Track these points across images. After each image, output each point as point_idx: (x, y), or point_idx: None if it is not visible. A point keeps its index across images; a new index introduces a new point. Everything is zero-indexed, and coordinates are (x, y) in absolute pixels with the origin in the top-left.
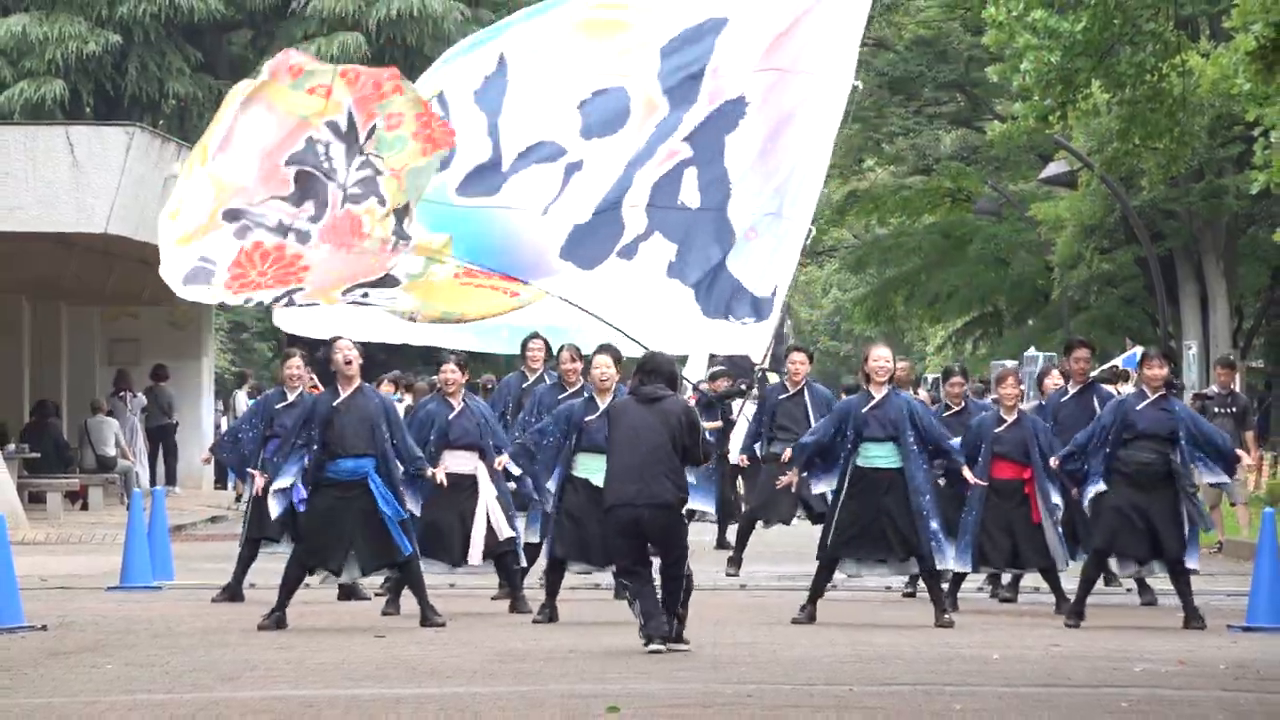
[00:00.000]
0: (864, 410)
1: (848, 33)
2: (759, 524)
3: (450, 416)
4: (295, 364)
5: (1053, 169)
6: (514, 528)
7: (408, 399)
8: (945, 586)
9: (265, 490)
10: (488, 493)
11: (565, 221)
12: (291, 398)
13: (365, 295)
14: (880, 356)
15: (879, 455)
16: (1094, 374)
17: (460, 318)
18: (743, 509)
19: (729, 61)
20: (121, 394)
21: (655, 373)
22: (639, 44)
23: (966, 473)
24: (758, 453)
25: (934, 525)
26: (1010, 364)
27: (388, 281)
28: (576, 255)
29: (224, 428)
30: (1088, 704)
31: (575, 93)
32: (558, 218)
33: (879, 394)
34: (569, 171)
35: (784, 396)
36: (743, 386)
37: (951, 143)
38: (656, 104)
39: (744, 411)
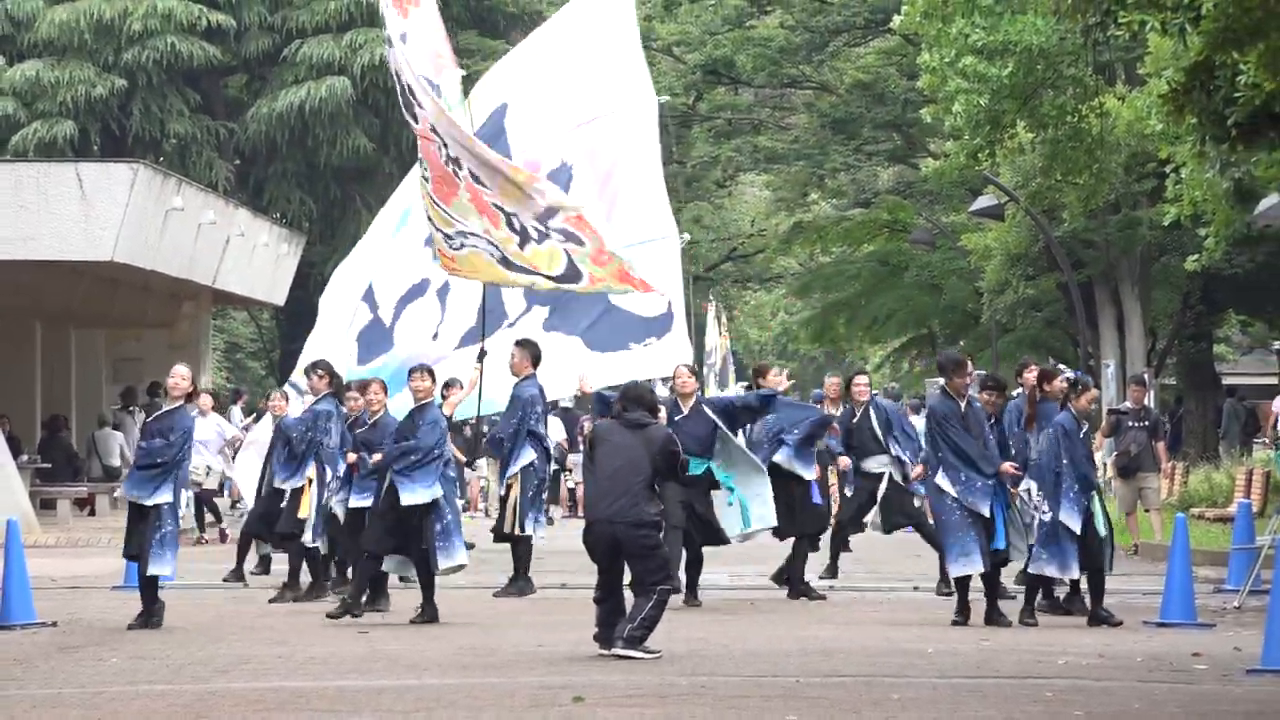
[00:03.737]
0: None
1: (628, 60)
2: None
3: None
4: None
5: (982, 202)
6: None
7: None
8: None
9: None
10: None
11: (455, 334)
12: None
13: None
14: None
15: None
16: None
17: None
18: None
19: (529, 138)
20: (129, 409)
21: (638, 401)
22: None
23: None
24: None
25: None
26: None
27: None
28: (467, 341)
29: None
30: (1015, 693)
31: (423, 228)
32: (448, 334)
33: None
34: (441, 296)
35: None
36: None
37: (889, 178)
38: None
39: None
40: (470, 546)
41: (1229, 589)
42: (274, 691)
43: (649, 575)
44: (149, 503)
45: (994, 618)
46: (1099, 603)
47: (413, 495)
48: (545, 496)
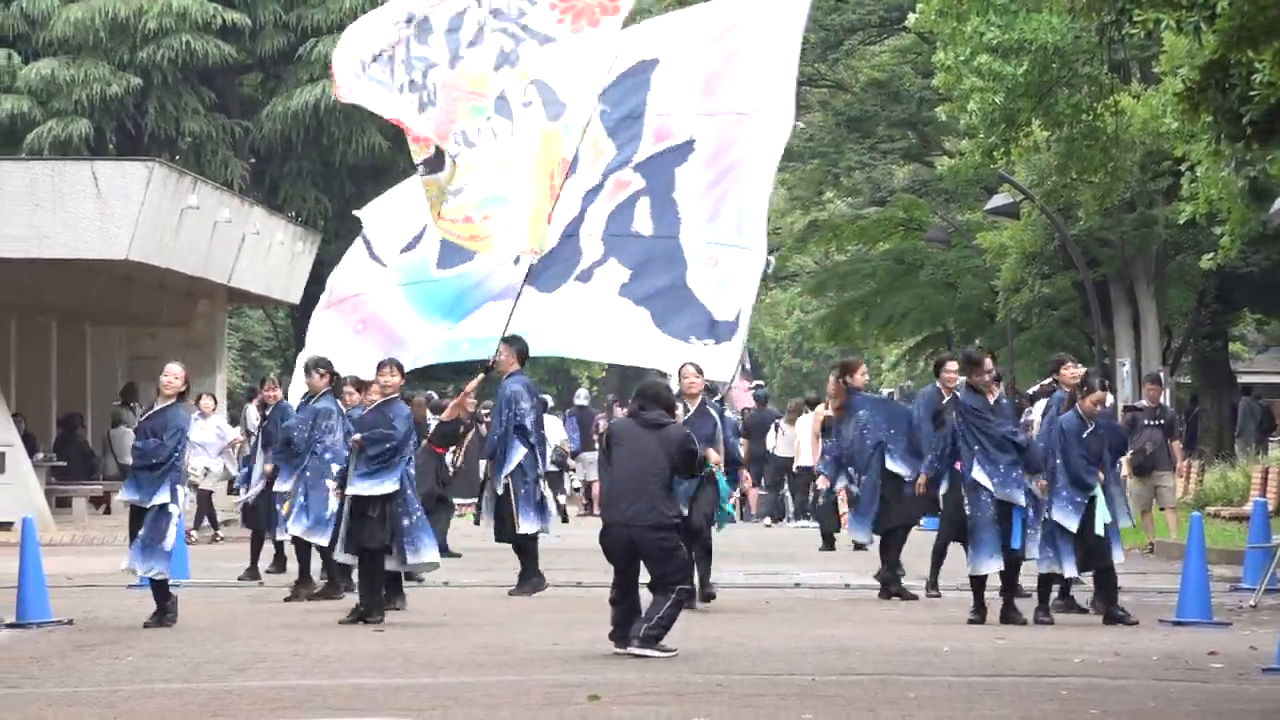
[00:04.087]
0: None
1: (783, 75)
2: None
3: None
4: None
5: (997, 201)
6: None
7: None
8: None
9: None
10: None
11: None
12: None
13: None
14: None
15: None
16: (1033, 389)
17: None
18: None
19: (669, 102)
20: (130, 405)
21: (655, 400)
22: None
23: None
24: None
25: None
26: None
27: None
28: (539, 281)
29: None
30: (1031, 692)
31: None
32: (522, 268)
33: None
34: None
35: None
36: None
37: (904, 177)
38: (602, 148)
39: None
40: (456, 555)
41: (1245, 587)
42: (290, 689)
43: (668, 576)
44: (147, 505)
45: (1010, 616)
46: (1113, 602)
47: (375, 486)
48: (542, 492)
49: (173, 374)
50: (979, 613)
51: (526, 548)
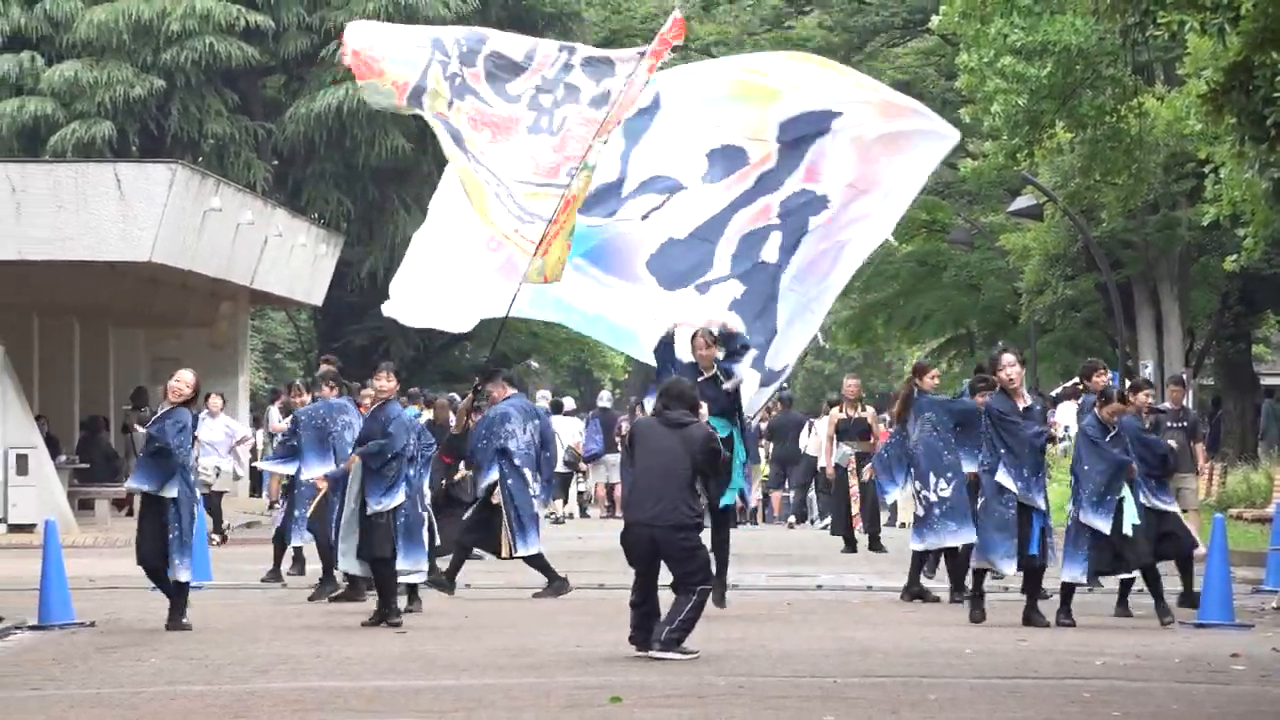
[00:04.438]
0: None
1: (904, 198)
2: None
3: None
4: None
5: (1020, 202)
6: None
7: (428, 414)
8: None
9: None
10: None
11: (661, 231)
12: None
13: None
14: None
15: None
16: (1056, 390)
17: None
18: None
19: (830, 154)
20: (140, 409)
21: (679, 398)
22: (773, 116)
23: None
24: None
25: None
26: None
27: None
28: (661, 271)
29: (259, 442)
30: (1053, 694)
31: (707, 141)
32: (655, 225)
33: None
34: (673, 190)
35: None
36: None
37: (927, 178)
38: (770, 158)
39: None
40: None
41: (1267, 589)
42: (312, 691)
43: (689, 577)
44: (157, 492)
45: (1032, 618)
46: (1160, 599)
47: (390, 502)
48: (534, 513)
49: (183, 381)
50: (977, 605)
51: (535, 563)
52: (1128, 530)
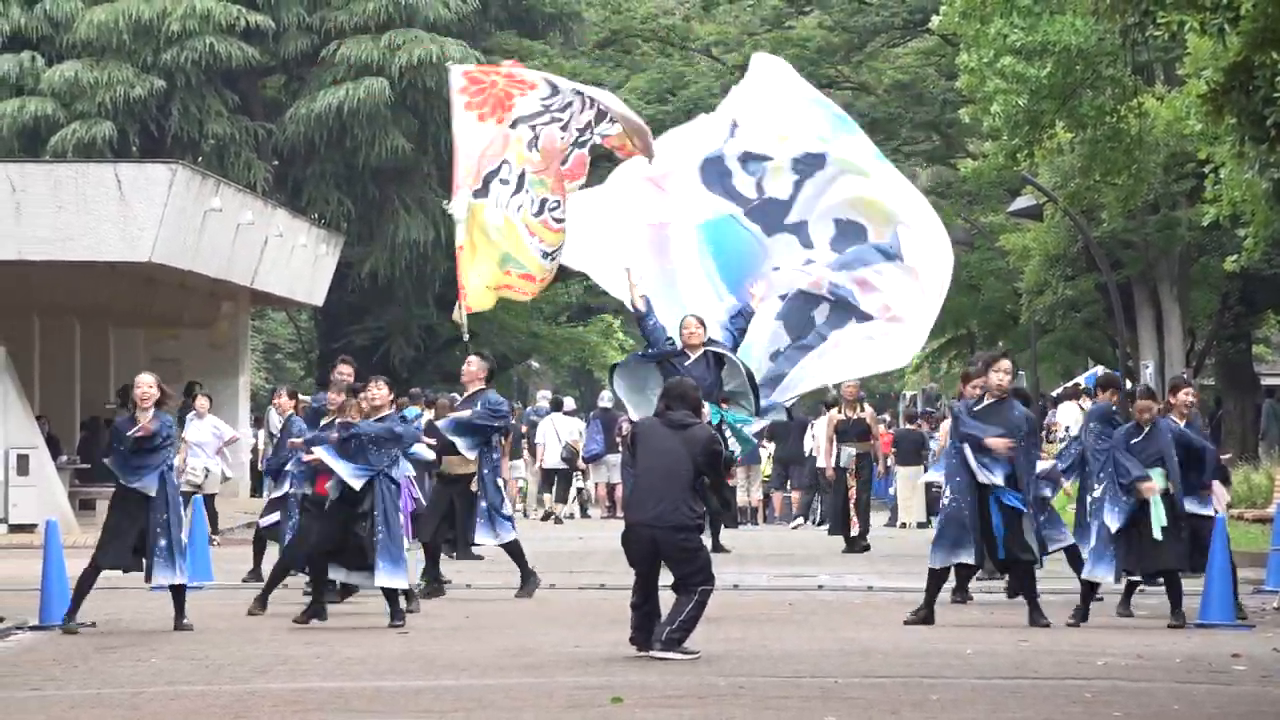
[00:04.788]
0: None
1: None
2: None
3: None
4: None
5: (1020, 203)
6: None
7: (428, 414)
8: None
9: None
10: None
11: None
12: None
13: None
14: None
15: None
16: (1056, 392)
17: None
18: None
19: (886, 274)
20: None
21: (682, 399)
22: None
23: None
24: None
25: None
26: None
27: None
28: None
29: (260, 441)
30: (1054, 694)
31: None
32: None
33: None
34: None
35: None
36: None
37: (927, 178)
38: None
39: None
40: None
41: (1268, 590)
42: (313, 692)
43: (690, 578)
44: (138, 487)
45: (1036, 619)
46: (1177, 605)
47: (357, 476)
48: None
49: (145, 384)
50: (929, 609)
51: (511, 549)
52: (1157, 535)
